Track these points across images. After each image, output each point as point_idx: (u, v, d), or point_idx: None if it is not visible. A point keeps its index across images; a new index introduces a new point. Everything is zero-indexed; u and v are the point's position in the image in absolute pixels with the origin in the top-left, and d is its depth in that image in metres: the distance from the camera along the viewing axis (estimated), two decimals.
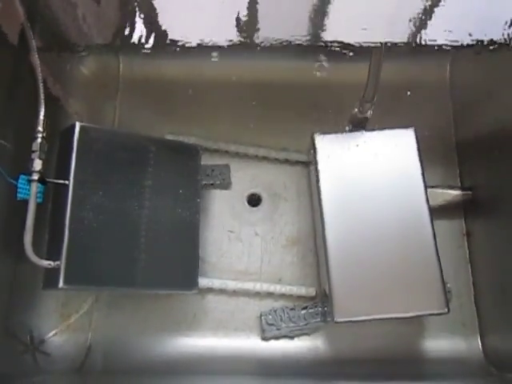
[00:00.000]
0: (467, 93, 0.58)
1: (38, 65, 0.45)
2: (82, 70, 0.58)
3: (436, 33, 0.55)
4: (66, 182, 0.45)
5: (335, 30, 0.55)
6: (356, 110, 0.50)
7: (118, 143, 0.49)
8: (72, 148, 0.45)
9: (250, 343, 0.52)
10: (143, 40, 0.56)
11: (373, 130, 0.51)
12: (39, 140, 0.45)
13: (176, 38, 0.56)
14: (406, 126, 0.51)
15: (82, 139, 0.46)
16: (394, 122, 0.51)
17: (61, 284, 0.42)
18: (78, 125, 0.46)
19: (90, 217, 0.45)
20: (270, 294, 0.53)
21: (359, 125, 0.51)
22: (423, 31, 0.55)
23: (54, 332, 0.52)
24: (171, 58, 0.59)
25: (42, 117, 0.45)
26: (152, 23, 0.55)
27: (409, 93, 0.59)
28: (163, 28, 0.55)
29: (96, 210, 0.46)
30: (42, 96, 0.45)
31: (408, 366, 0.51)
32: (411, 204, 0.48)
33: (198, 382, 0.50)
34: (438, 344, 0.52)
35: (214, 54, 0.57)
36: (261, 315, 0.52)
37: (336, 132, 0.51)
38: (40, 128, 0.45)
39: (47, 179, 0.44)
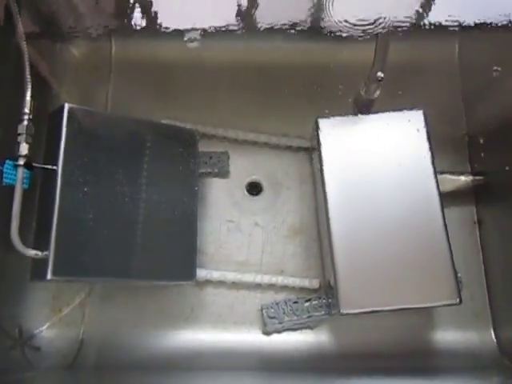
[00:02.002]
0: (477, 73, 0.56)
1: (24, 41, 0.43)
2: (73, 51, 0.56)
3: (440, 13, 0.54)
4: (55, 167, 0.43)
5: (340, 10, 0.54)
6: (362, 91, 0.48)
7: (111, 127, 0.48)
8: (61, 131, 0.43)
9: (250, 337, 0.51)
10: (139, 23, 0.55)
11: (379, 112, 0.49)
12: (25, 122, 0.42)
13: (172, 24, 0.55)
14: (414, 108, 0.49)
15: (72, 122, 0.44)
16: (400, 105, 0.49)
17: (49, 275, 0.40)
18: (67, 106, 0.44)
19: (80, 204, 0.43)
20: (271, 286, 0.52)
21: (365, 107, 0.49)
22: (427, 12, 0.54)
23: (44, 326, 0.50)
24: (167, 39, 0.57)
25: (28, 97, 0.43)
26: (148, 10, 0.53)
27: (416, 73, 0.57)
28: (159, 13, 0.53)
29: (87, 197, 0.44)
30: (27, 75, 0.43)
31: (417, 360, 0.50)
32: (421, 190, 0.47)
33: (197, 378, 0.49)
34: (449, 336, 0.51)
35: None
36: (262, 308, 0.51)
37: (340, 115, 0.50)
38: (26, 110, 0.43)
39: (34, 164, 0.42)
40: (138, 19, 0.56)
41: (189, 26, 0.56)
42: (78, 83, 0.56)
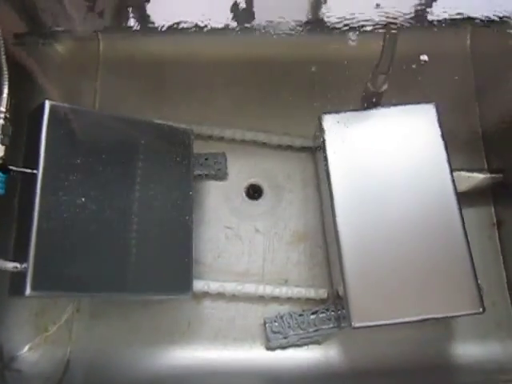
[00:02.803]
0: (490, 64, 0.54)
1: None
2: (57, 47, 0.54)
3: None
4: (34, 171, 0.39)
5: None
6: (369, 84, 0.45)
7: (98, 126, 0.45)
8: (41, 131, 0.40)
9: (253, 354, 0.48)
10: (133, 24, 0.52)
11: (388, 106, 0.47)
12: (1, 122, 0.40)
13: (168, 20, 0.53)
14: (425, 101, 0.46)
15: (54, 121, 0.41)
16: (409, 99, 0.47)
17: (28, 291, 0.37)
18: (48, 103, 0.41)
19: (63, 212, 0.40)
20: (274, 298, 0.49)
21: (373, 101, 0.47)
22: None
23: (27, 347, 0.47)
24: (158, 34, 0.55)
25: (5, 95, 0.40)
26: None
27: (425, 59, 0.55)
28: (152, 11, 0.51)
29: (71, 204, 0.41)
30: (5, 71, 0.39)
31: (436, 376, 0.47)
32: (436, 190, 0.44)
33: None
34: (470, 349, 0.48)
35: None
36: (265, 322, 0.48)
37: (346, 111, 0.47)
38: (2, 108, 0.40)
39: (11, 167, 0.39)
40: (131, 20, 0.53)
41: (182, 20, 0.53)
42: (63, 82, 0.54)
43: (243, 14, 0.53)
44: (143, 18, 0.53)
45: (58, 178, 0.40)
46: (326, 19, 0.54)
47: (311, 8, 0.54)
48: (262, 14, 0.54)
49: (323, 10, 0.54)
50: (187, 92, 0.56)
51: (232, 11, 0.53)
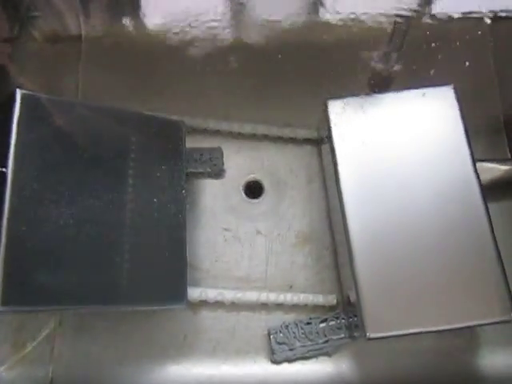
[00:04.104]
0: None
1: None
2: (33, 33, 0.51)
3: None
4: (3, 169, 0.36)
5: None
6: (379, 64, 0.44)
7: (79, 119, 0.41)
8: (11, 124, 0.37)
9: (256, 369, 0.45)
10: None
11: (400, 90, 0.44)
12: None
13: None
14: (443, 84, 0.43)
15: (26, 112, 0.37)
16: (424, 82, 0.44)
17: None
18: (19, 93, 0.37)
19: (37, 215, 0.36)
20: (279, 306, 0.47)
21: (383, 84, 0.45)
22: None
23: (3, 367, 0.43)
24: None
25: None
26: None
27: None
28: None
29: (48, 207, 0.37)
30: None
31: None
32: (457, 183, 0.41)
33: None
34: (498, 360, 0.45)
35: None
36: (269, 333, 0.45)
37: (354, 95, 0.44)
38: None
39: None
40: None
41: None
42: (41, 71, 0.51)
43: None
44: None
45: (31, 178, 0.37)
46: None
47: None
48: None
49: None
50: (178, 81, 0.53)
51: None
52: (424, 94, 0.43)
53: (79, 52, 0.53)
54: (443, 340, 0.44)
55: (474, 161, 0.41)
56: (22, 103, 0.37)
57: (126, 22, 0.52)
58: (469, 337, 0.45)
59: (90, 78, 0.53)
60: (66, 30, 0.53)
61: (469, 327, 0.38)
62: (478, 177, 0.40)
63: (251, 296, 0.46)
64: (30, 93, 0.38)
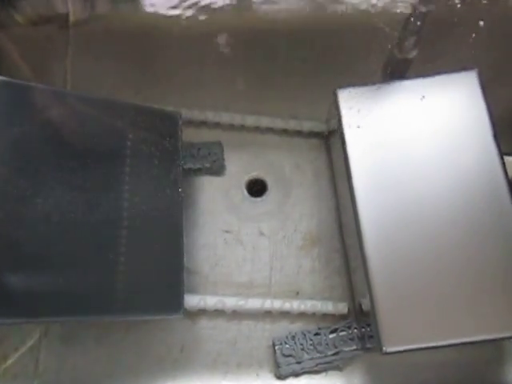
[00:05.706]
0: None
1: None
2: (16, 17, 0.49)
3: None
4: None
5: None
6: (394, 49, 0.40)
7: (64, 109, 0.40)
8: None
9: None
10: None
11: (418, 76, 0.41)
12: None
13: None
14: (465, 69, 0.40)
15: (6, 102, 0.36)
16: (444, 67, 0.41)
17: None
18: None
19: (16, 218, 0.35)
20: (284, 314, 0.46)
21: (399, 71, 0.42)
22: None
23: None
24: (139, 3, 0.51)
25: None
26: None
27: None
28: None
29: (28, 208, 0.35)
30: None
31: None
32: (481, 179, 0.38)
33: None
34: None
35: None
36: (273, 344, 0.44)
37: (367, 84, 0.42)
38: None
39: None
40: None
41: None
42: (26, 59, 0.49)
43: None
44: None
45: (9, 176, 0.35)
46: None
47: None
48: None
49: None
50: (174, 70, 0.52)
51: None
52: (443, 81, 0.40)
53: (67, 37, 0.51)
54: (465, 352, 0.42)
55: (502, 154, 0.38)
56: (1, 92, 0.35)
57: (119, 2, 0.51)
58: (492, 349, 0.43)
59: (79, 65, 0.51)
60: (52, 12, 0.51)
61: (495, 340, 0.36)
62: (505, 171, 0.38)
63: (254, 303, 0.45)
64: (10, 80, 0.36)
